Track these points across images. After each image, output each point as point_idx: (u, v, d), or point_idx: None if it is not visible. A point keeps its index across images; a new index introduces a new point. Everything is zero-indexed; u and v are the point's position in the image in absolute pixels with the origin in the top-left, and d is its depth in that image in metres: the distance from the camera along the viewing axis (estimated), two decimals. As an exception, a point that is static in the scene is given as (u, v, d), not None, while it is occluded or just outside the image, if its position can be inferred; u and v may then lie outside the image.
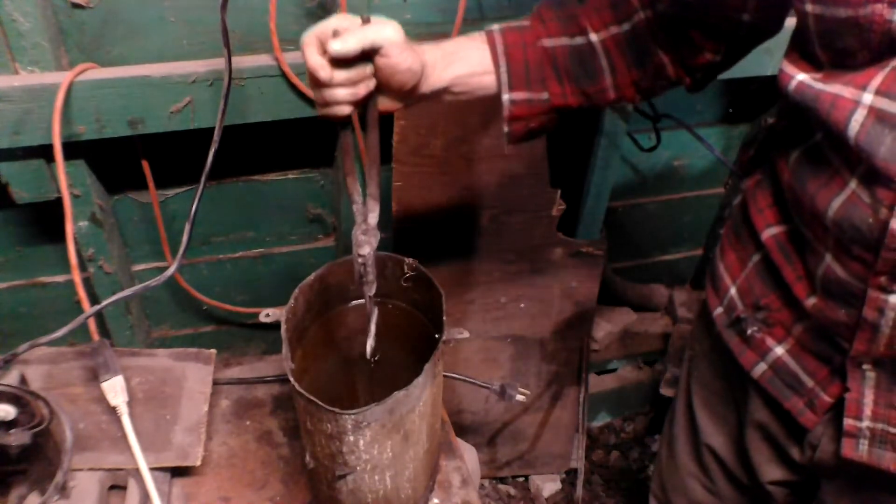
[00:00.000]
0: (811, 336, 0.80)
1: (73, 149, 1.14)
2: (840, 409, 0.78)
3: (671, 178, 1.85)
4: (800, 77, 0.70)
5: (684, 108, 1.65)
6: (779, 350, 0.84)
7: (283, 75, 1.17)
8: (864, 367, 0.74)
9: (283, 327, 0.84)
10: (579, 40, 0.86)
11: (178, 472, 0.99)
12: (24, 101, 1.05)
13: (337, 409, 0.75)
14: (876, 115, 0.62)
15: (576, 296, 1.67)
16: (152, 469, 0.93)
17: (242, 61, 1.16)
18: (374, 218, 0.82)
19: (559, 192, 1.48)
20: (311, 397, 0.75)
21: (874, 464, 0.76)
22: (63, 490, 0.88)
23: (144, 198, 1.38)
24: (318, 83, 0.71)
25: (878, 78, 0.62)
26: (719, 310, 0.93)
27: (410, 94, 0.80)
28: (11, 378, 0.94)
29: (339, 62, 0.69)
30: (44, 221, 1.34)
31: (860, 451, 0.77)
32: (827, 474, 0.87)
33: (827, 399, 0.80)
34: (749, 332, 0.86)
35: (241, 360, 1.21)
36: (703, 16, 0.82)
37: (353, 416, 0.76)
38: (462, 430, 1.81)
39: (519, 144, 0.93)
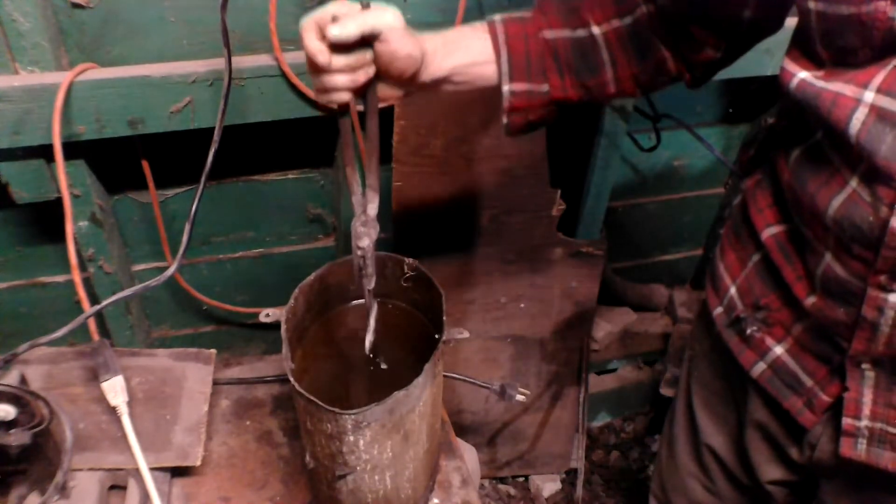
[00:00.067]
0: (810, 336, 0.80)
1: (73, 149, 1.14)
2: (839, 408, 0.78)
3: (671, 178, 1.85)
4: (801, 75, 0.70)
5: (684, 108, 1.65)
6: (778, 350, 0.84)
7: (283, 75, 1.17)
8: (864, 366, 0.74)
9: (283, 327, 0.84)
10: (581, 33, 0.86)
11: (178, 472, 0.99)
12: (24, 101, 1.05)
13: (337, 409, 0.75)
14: (877, 113, 0.62)
15: (576, 296, 1.67)
16: (152, 469, 0.93)
17: (242, 61, 1.16)
18: (373, 209, 0.81)
19: (559, 192, 1.48)
20: (311, 397, 0.75)
21: (872, 463, 0.77)
22: (63, 490, 0.88)
23: (144, 198, 1.38)
24: (316, 68, 0.70)
25: (880, 76, 0.62)
26: (719, 309, 0.93)
27: (410, 82, 0.79)
28: (11, 378, 0.94)
29: (338, 48, 0.69)
30: (44, 221, 1.34)
31: (858, 450, 0.77)
32: (826, 474, 0.87)
33: (826, 399, 0.80)
34: (748, 331, 0.86)
35: (241, 360, 1.21)
36: (705, 12, 0.82)
37: (353, 416, 0.76)
38: (462, 430, 1.81)
39: (517, 136, 0.92)
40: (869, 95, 0.62)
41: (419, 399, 0.83)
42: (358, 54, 0.71)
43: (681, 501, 1.15)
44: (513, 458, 1.94)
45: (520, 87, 0.86)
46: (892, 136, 0.61)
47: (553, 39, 0.86)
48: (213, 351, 1.09)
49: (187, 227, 0.99)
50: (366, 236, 0.81)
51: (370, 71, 0.73)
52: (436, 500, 1.01)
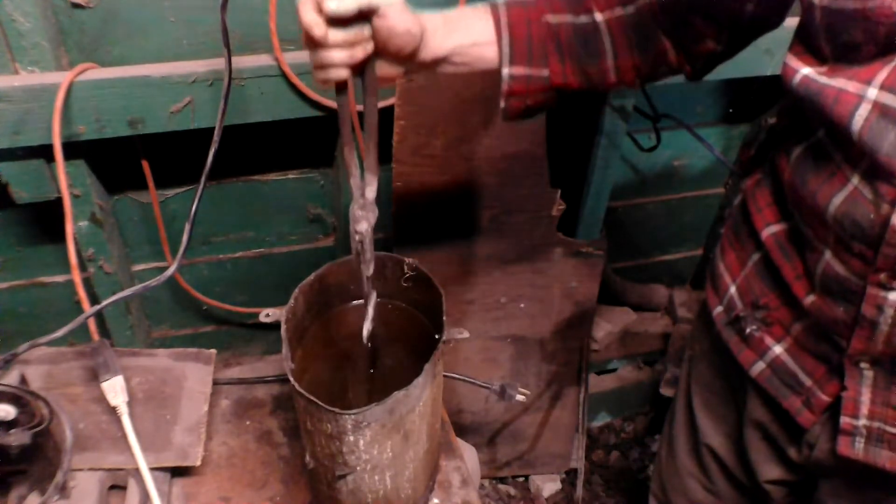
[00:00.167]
0: (809, 335, 0.80)
1: (73, 149, 1.14)
2: (837, 408, 0.78)
3: (671, 178, 1.85)
4: (804, 71, 0.70)
5: (684, 108, 1.65)
6: (777, 349, 0.84)
7: (283, 75, 1.17)
8: (862, 365, 0.74)
9: (283, 327, 0.84)
10: (584, 19, 0.86)
11: (178, 472, 0.99)
12: (24, 101, 1.05)
13: (337, 409, 0.75)
14: (880, 110, 0.62)
15: (576, 296, 1.67)
16: (152, 469, 0.93)
17: (242, 61, 1.17)
18: (371, 192, 0.79)
19: (559, 192, 1.48)
20: (311, 397, 0.75)
21: (870, 462, 0.77)
22: (63, 490, 0.88)
23: (144, 198, 1.38)
24: (312, 43, 0.69)
25: (883, 73, 0.62)
26: (719, 309, 0.93)
27: (409, 60, 0.78)
28: (11, 378, 0.94)
29: (336, 22, 0.67)
30: (44, 221, 1.34)
31: (856, 448, 0.77)
32: (824, 473, 0.87)
33: (824, 398, 0.80)
34: (748, 331, 0.86)
35: (241, 360, 1.21)
36: (707, 3, 0.82)
37: (353, 416, 0.76)
38: (462, 430, 1.81)
39: (514, 121, 0.91)
40: (872, 92, 0.62)
41: (419, 399, 0.83)
42: (356, 29, 0.69)
43: (680, 501, 1.15)
44: (513, 458, 1.94)
45: (519, 71, 0.85)
46: (895, 132, 0.61)
47: (556, 24, 0.85)
48: (213, 351, 1.09)
49: (187, 227, 0.99)
50: (364, 220, 0.79)
51: (368, 47, 0.71)
52: (436, 500, 1.01)
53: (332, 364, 0.98)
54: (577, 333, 1.74)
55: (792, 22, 0.77)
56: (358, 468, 0.82)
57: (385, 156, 1.33)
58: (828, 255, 0.72)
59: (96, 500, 0.90)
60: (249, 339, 1.71)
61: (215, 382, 1.09)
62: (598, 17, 0.86)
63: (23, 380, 0.95)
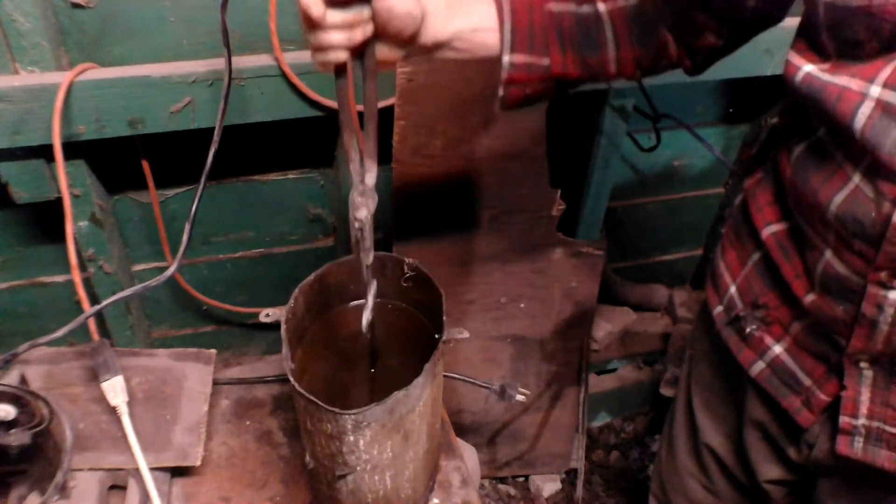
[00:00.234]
0: (809, 334, 0.80)
1: (73, 149, 1.14)
2: (837, 408, 0.78)
3: (671, 178, 1.85)
4: (807, 68, 0.70)
5: (684, 108, 1.65)
6: (777, 348, 0.84)
7: (283, 75, 1.17)
8: (862, 364, 0.74)
9: (283, 327, 0.84)
10: (586, 9, 0.85)
11: (178, 472, 0.99)
12: (24, 101, 1.05)
13: (337, 409, 0.75)
14: (883, 107, 0.62)
15: (576, 296, 1.67)
16: (152, 469, 0.93)
17: (242, 61, 1.17)
18: (371, 178, 0.77)
19: (559, 192, 1.48)
20: (311, 397, 0.75)
21: (869, 461, 0.77)
22: (63, 490, 0.88)
23: (144, 198, 1.38)
24: (311, 23, 0.67)
25: (887, 70, 0.62)
26: (719, 308, 0.93)
27: (410, 43, 0.77)
28: (11, 378, 0.94)
29: (335, 3, 0.66)
30: (44, 221, 1.34)
31: (855, 447, 0.77)
32: (823, 473, 0.87)
33: (824, 398, 0.80)
34: (748, 330, 0.86)
35: (241, 360, 1.21)
36: None
37: (353, 416, 0.76)
38: (462, 430, 1.81)
39: (512, 111, 0.89)
40: (875, 90, 0.62)
41: (419, 399, 0.83)
42: (355, 10, 0.68)
43: (680, 501, 1.15)
44: (513, 458, 1.94)
45: (520, 58, 0.84)
46: None
47: (558, 13, 0.84)
48: (213, 351, 1.09)
49: (187, 227, 0.99)
50: (363, 207, 0.77)
51: (368, 29, 0.70)
52: (436, 500, 1.01)
53: (332, 364, 0.98)
54: (577, 333, 1.74)
55: (792, 22, 0.77)
56: (358, 468, 0.82)
57: (385, 156, 1.33)
58: (828, 253, 0.72)
59: (96, 500, 0.90)
60: (249, 339, 1.71)
61: (215, 382, 1.09)
62: (601, 7, 0.85)
63: (23, 380, 0.95)
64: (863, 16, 0.62)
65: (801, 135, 0.77)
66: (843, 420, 0.77)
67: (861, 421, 0.76)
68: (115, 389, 0.95)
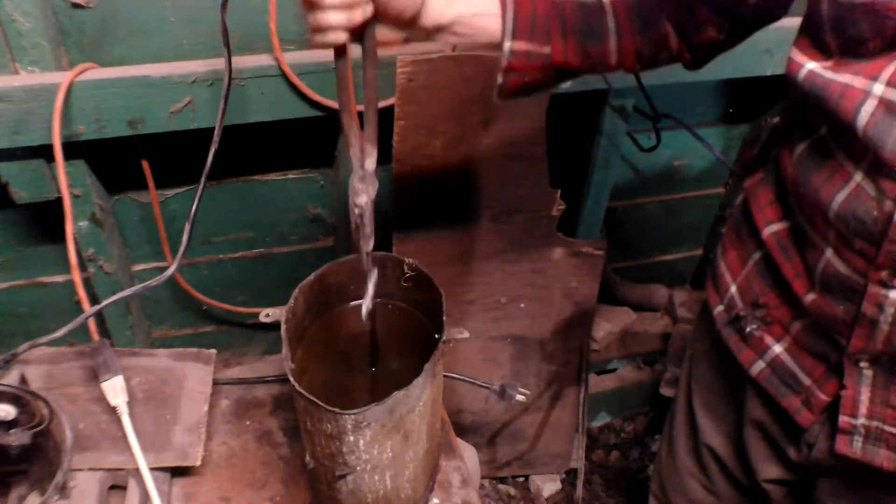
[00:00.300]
0: (809, 334, 0.80)
1: (73, 149, 1.14)
2: (836, 408, 0.78)
3: (671, 178, 1.85)
4: (809, 66, 0.70)
5: (684, 108, 1.65)
6: (777, 348, 0.84)
7: (283, 75, 1.17)
8: (861, 364, 0.74)
9: (283, 327, 0.84)
10: None
11: (178, 472, 0.99)
12: (24, 101, 1.05)
13: (337, 409, 0.75)
14: (886, 105, 0.62)
15: (576, 296, 1.67)
16: (152, 469, 0.93)
17: (242, 61, 1.17)
18: (371, 163, 0.77)
19: (559, 192, 1.48)
20: (311, 397, 0.75)
21: (868, 461, 0.77)
22: (63, 490, 0.88)
23: (144, 198, 1.38)
24: (309, 3, 0.67)
25: (889, 69, 0.62)
26: (719, 308, 0.93)
27: (410, 25, 0.76)
28: (11, 378, 0.94)
29: None
30: (44, 221, 1.34)
31: (854, 447, 0.77)
32: (823, 473, 0.87)
33: (823, 397, 0.80)
34: (748, 330, 0.86)
35: (241, 360, 1.21)
36: None
37: (353, 416, 0.76)
38: (462, 430, 1.81)
39: (509, 100, 0.88)
40: (878, 88, 0.62)
41: (419, 399, 0.83)
42: None
43: (680, 501, 1.15)
44: (513, 458, 1.94)
45: (521, 46, 0.83)
46: None
47: (561, 2, 0.84)
48: (213, 351, 1.09)
49: (187, 227, 0.99)
50: (363, 193, 0.77)
51: (367, 10, 0.70)
52: (436, 500, 1.01)
53: (332, 364, 0.98)
54: (577, 333, 1.74)
55: (792, 22, 0.77)
56: (358, 468, 0.82)
57: (385, 156, 1.33)
58: (829, 252, 0.72)
59: (96, 500, 0.90)
60: (249, 339, 1.71)
61: (215, 382, 1.09)
62: None
63: (23, 380, 0.95)
64: (867, 13, 0.62)
65: (803, 133, 0.77)
66: (843, 419, 0.77)
67: (860, 420, 0.76)
68: (115, 389, 0.95)
